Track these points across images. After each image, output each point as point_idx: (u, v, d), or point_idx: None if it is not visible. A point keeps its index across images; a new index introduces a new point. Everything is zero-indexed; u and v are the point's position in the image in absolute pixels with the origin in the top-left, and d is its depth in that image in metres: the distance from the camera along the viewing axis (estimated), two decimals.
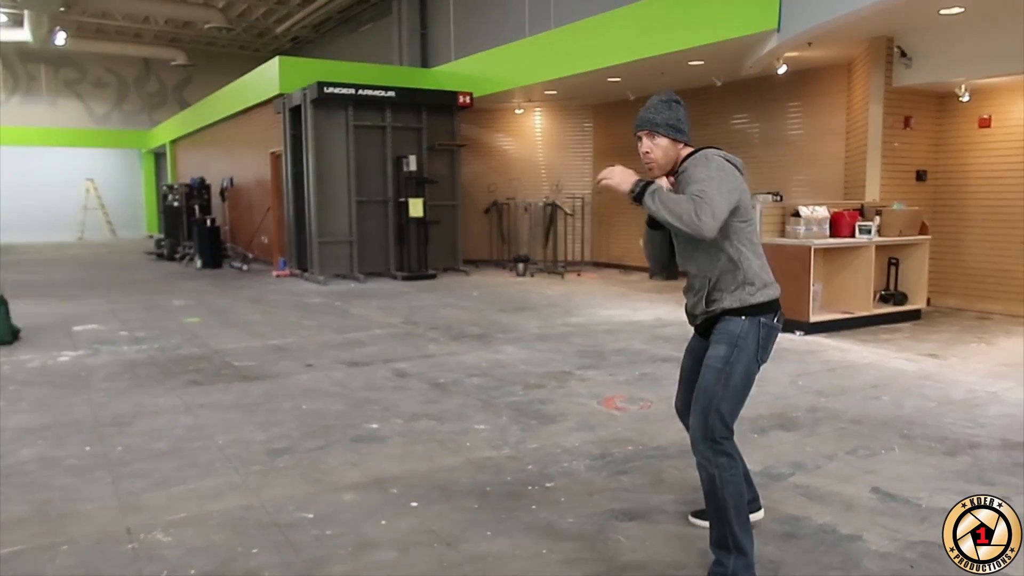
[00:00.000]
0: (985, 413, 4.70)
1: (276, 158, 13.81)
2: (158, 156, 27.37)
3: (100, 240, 24.90)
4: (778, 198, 7.69)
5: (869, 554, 2.86)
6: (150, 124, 26.65)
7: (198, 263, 14.50)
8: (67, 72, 26.27)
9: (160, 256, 17.01)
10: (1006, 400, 5.00)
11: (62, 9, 20.35)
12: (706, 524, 2.80)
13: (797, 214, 7.40)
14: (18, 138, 25.15)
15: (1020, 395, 5.11)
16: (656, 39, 9.32)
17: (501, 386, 5.42)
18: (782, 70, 9.10)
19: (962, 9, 6.77)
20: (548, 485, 3.56)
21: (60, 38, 22.33)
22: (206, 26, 22.18)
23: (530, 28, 12.98)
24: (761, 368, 2.71)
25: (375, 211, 12.33)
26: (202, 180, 15.35)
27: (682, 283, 2.97)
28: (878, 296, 7.92)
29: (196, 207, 14.93)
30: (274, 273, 13.07)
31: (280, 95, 12.80)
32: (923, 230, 7.88)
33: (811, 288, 7.20)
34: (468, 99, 12.63)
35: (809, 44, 8.28)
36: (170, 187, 18.01)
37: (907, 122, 8.35)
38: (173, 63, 26.08)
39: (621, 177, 2.55)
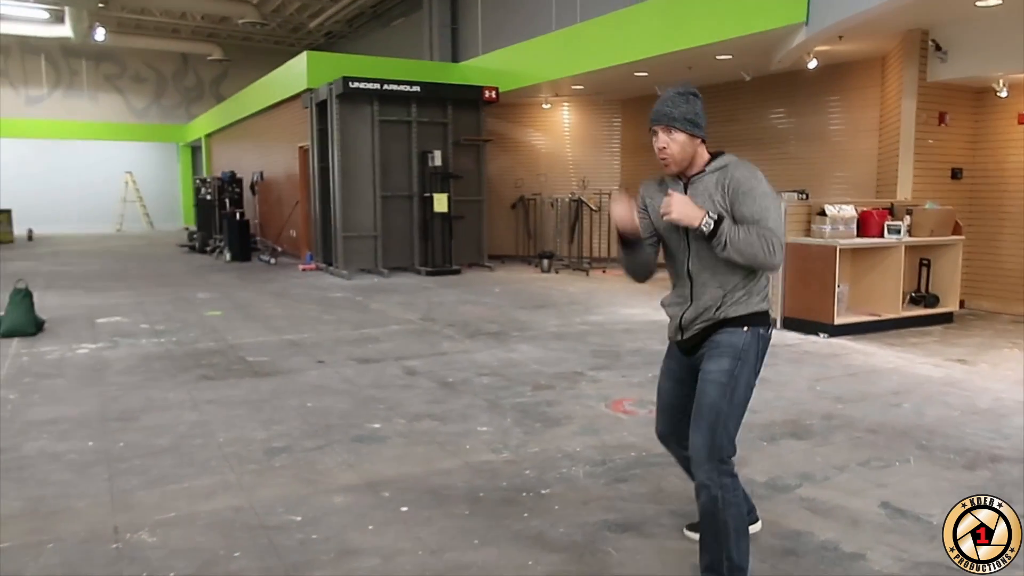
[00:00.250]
0: (1011, 424, 4.50)
1: (304, 152, 13.88)
2: (194, 150, 27.78)
3: (138, 232, 25.36)
4: (804, 196, 7.48)
5: (871, 575, 2.73)
6: (187, 118, 27.06)
7: (227, 256, 14.66)
8: (108, 67, 26.79)
9: (192, 249, 17.24)
10: None
11: (101, 5, 20.73)
12: None
13: (823, 213, 7.19)
14: (60, 131, 25.75)
15: None
16: (682, 33, 9.14)
17: (510, 386, 5.34)
18: (812, 65, 8.85)
19: (1000, 1, 6.49)
20: (543, 492, 3.47)
21: (99, 34, 22.78)
22: (240, 21, 22.41)
23: (557, 22, 12.84)
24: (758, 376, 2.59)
25: (400, 206, 12.33)
26: (232, 174, 15.51)
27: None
28: (908, 298, 7.67)
29: (227, 200, 15.08)
30: (300, 267, 13.16)
31: (308, 90, 12.86)
32: (956, 230, 7.60)
33: (836, 289, 6.99)
34: (494, 94, 12.55)
35: (840, 38, 8.04)
36: (203, 180, 18.26)
37: (942, 118, 8.07)
38: (209, 58, 26.46)
39: (684, 209, 2.40)
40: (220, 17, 23.68)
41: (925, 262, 7.74)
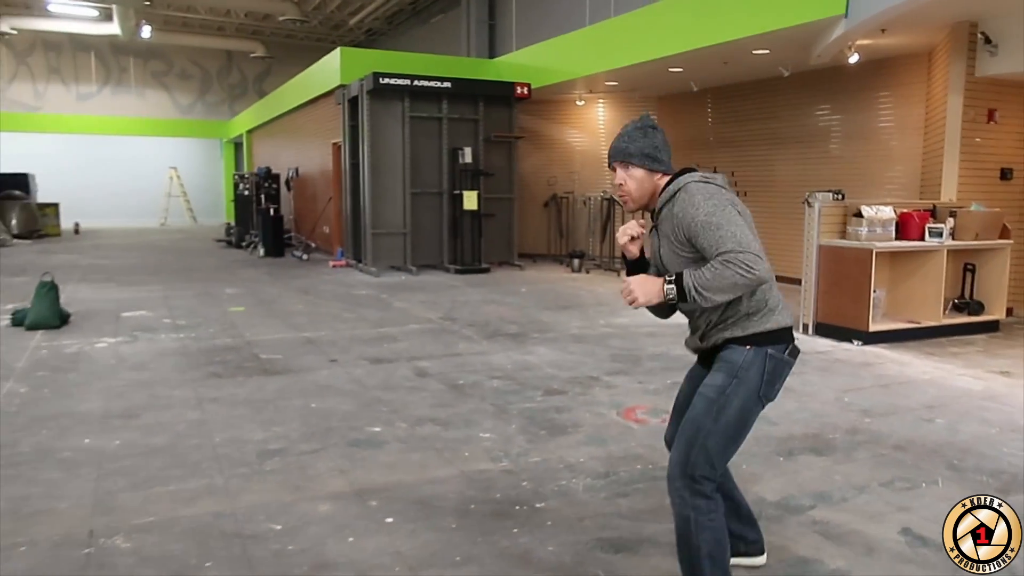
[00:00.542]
0: None
1: (338, 149, 13.89)
2: (237, 146, 28.16)
3: (181, 226, 25.78)
4: (839, 196, 7.15)
5: None
6: (230, 115, 27.45)
7: (261, 251, 14.76)
8: (155, 64, 27.31)
9: (229, 244, 17.43)
10: None
11: (147, 3, 21.10)
12: None
13: (859, 214, 6.86)
14: (109, 127, 26.34)
15: None
16: (717, 26, 8.84)
17: (521, 390, 5.17)
18: (854, 59, 8.47)
19: None
20: (538, 506, 3.30)
21: (146, 31, 23.23)
22: (281, 18, 22.60)
23: (590, 17, 12.60)
24: (766, 407, 2.35)
25: (430, 203, 12.23)
26: (268, 170, 15.60)
27: None
28: (950, 305, 7.28)
29: (262, 196, 15.16)
30: (331, 263, 13.16)
31: (340, 86, 12.85)
32: (1004, 234, 7.18)
33: (872, 294, 6.66)
34: (526, 90, 12.37)
35: (883, 31, 7.68)
36: (241, 176, 18.44)
37: (991, 116, 7.65)
38: (252, 55, 26.79)
39: (644, 290, 2.25)
40: (263, 15, 23.94)
41: (969, 267, 7.34)
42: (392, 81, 11.49)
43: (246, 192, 17.36)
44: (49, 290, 7.23)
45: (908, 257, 7.11)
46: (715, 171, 2.54)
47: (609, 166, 2.45)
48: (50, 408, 4.67)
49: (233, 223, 18.82)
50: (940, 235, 6.83)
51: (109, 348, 6.41)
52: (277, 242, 14.86)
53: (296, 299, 9.29)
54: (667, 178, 2.38)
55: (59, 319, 7.23)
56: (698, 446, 2.27)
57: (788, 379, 2.41)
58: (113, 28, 22.65)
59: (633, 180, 2.38)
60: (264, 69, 27.89)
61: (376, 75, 11.36)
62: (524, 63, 13.25)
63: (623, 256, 2.52)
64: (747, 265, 2.09)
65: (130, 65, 26.99)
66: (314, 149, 15.94)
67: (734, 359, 2.29)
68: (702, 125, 12.49)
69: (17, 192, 19.29)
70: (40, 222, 19.56)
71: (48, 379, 5.36)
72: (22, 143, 24.37)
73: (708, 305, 2.19)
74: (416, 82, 11.70)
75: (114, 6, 20.70)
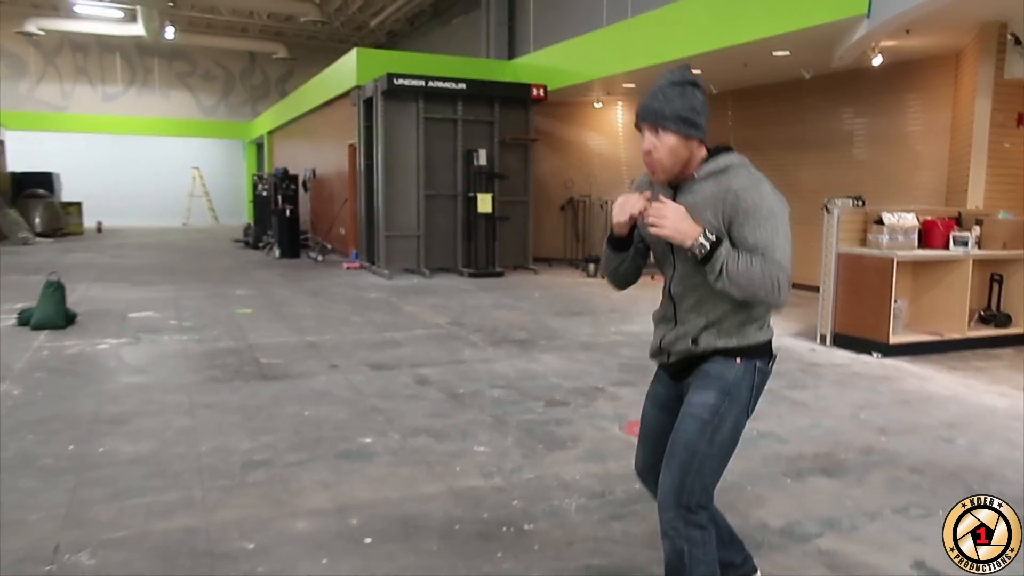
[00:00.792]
0: None
1: (353, 150, 13.82)
2: (259, 146, 28.29)
3: (203, 226, 25.91)
4: (859, 203, 6.91)
5: None
6: (253, 115, 27.57)
7: (276, 252, 14.74)
8: (180, 65, 27.53)
9: (247, 244, 17.44)
10: None
11: (171, 4, 21.23)
12: None
13: (880, 221, 6.61)
14: (133, 127, 26.58)
15: None
16: (736, 27, 8.62)
17: (521, 401, 5.01)
18: (877, 61, 8.20)
19: None
20: (527, 528, 3.13)
21: (169, 32, 23.38)
22: (302, 20, 22.65)
23: (608, 18, 12.41)
24: (750, 416, 2.19)
25: (444, 205, 12.11)
26: (285, 171, 15.57)
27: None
28: (976, 317, 7.00)
29: (279, 197, 15.13)
30: (345, 265, 13.09)
31: (356, 87, 12.77)
32: None
33: (892, 305, 6.41)
34: (542, 92, 12.21)
35: (907, 32, 7.42)
36: (259, 176, 18.46)
37: (1020, 119, 7.36)
38: (275, 56, 26.89)
39: (677, 224, 1.98)
40: (285, 16, 24.02)
41: (996, 278, 7.05)
42: (406, 82, 11.39)
43: (264, 193, 17.38)
44: (55, 290, 7.19)
45: (931, 267, 6.85)
46: None
47: (636, 126, 2.12)
48: (40, 412, 4.58)
49: (252, 224, 18.86)
50: (965, 244, 6.56)
51: (110, 350, 6.34)
52: (293, 243, 14.83)
53: (305, 301, 9.20)
54: (702, 146, 2.09)
55: (64, 319, 7.19)
56: (694, 472, 2.08)
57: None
58: (138, 29, 22.84)
59: (665, 147, 2.04)
60: (287, 70, 27.97)
61: (390, 76, 11.26)
62: (541, 64, 13.09)
63: (609, 236, 2.25)
64: (779, 287, 1.94)
65: (155, 66, 27.22)
66: (331, 150, 15.90)
67: (725, 375, 2.10)
68: (722, 128, 12.21)
69: (41, 191, 19.50)
70: (63, 221, 19.75)
71: (44, 381, 5.29)
72: (49, 142, 24.64)
73: (716, 286, 1.99)
74: (431, 83, 11.59)
75: (138, 7, 20.87)
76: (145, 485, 3.49)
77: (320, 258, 14.30)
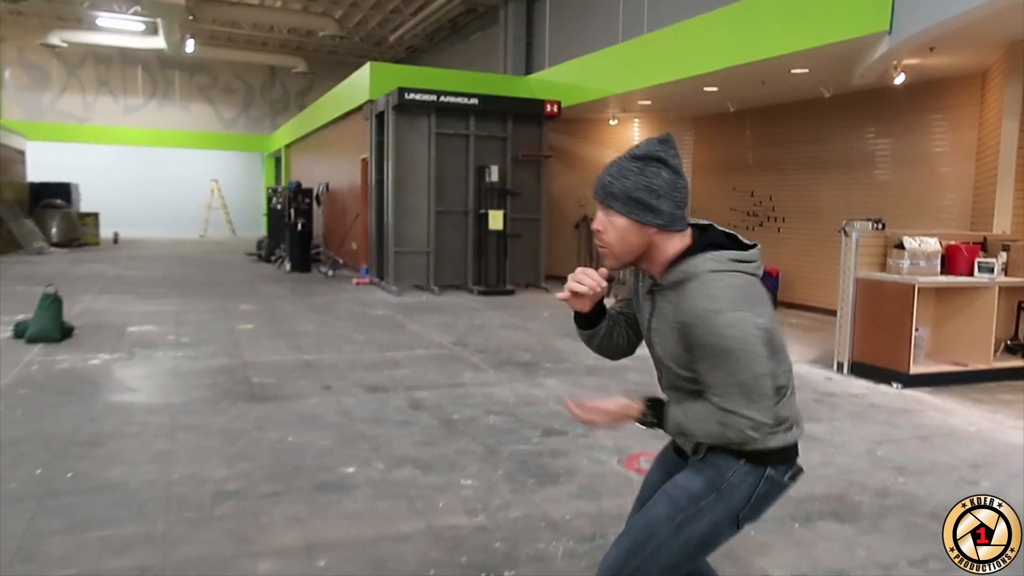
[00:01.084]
0: None
1: (366, 164, 13.71)
2: (277, 160, 28.39)
3: (220, 238, 25.97)
4: (879, 226, 6.62)
5: None
6: (272, 129, 27.68)
7: (287, 266, 14.63)
8: (201, 78, 27.73)
9: (260, 258, 17.37)
10: None
11: (190, 18, 21.36)
12: None
13: (901, 245, 6.32)
14: (154, 139, 26.77)
15: None
16: (753, 43, 8.39)
17: (517, 429, 4.77)
18: (900, 79, 7.95)
19: None
20: (506, 575, 2.89)
21: (190, 45, 23.54)
22: (321, 34, 22.72)
23: (623, 34, 12.24)
24: (741, 530, 1.85)
25: (455, 222, 11.93)
26: (298, 184, 15.51)
27: None
28: (1002, 347, 6.67)
29: (292, 211, 15.05)
30: (354, 281, 12.93)
31: (369, 101, 12.68)
32: None
33: (913, 333, 6.11)
34: (556, 108, 12.02)
35: (931, 49, 7.15)
36: (274, 190, 18.42)
37: None
38: (295, 71, 27.01)
39: (612, 420, 1.86)
40: (306, 31, 24.12)
41: None
42: (418, 96, 11.25)
43: (279, 206, 17.33)
44: (51, 303, 7.06)
45: (955, 293, 6.54)
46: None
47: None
48: (16, 431, 4.42)
49: (266, 237, 18.82)
50: (991, 271, 6.26)
51: (102, 366, 6.18)
52: (304, 257, 14.72)
53: (309, 318, 9.03)
54: (673, 238, 1.76)
55: (60, 333, 7.05)
56: (644, 556, 1.80)
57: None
58: (160, 42, 23.01)
59: (614, 230, 1.76)
60: (306, 84, 28.09)
61: (401, 90, 11.14)
62: (556, 80, 12.93)
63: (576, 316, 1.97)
64: (744, 434, 1.68)
65: (176, 79, 27.44)
66: (344, 164, 15.82)
67: (723, 468, 1.80)
68: (741, 147, 11.97)
69: (58, 201, 19.60)
70: (79, 231, 19.83)
71: (27, 398, 5.13)
72: (70, 153, 24.87)
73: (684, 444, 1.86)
74: (443, 98, 11.44)
75: (159, 20, 21.02)
76: (107, 516, 3.29)
77: (331, 273, 14.17)
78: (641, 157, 1.75)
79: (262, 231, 28.01)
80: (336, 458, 4.13)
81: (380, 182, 12.14)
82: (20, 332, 7.01)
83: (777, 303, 10.52)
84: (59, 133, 24.95)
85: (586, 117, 13.31)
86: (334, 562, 2.94)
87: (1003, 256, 6.37)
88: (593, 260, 13.51)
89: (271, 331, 8.07)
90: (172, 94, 27.49)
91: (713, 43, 9.04)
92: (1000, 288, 6.34)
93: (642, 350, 2.04)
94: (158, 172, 27.28)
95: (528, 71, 16.39)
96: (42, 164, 22.50)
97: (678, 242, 1.77)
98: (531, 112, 12.09)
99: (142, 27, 22.59)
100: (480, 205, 11.84)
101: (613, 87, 11.30)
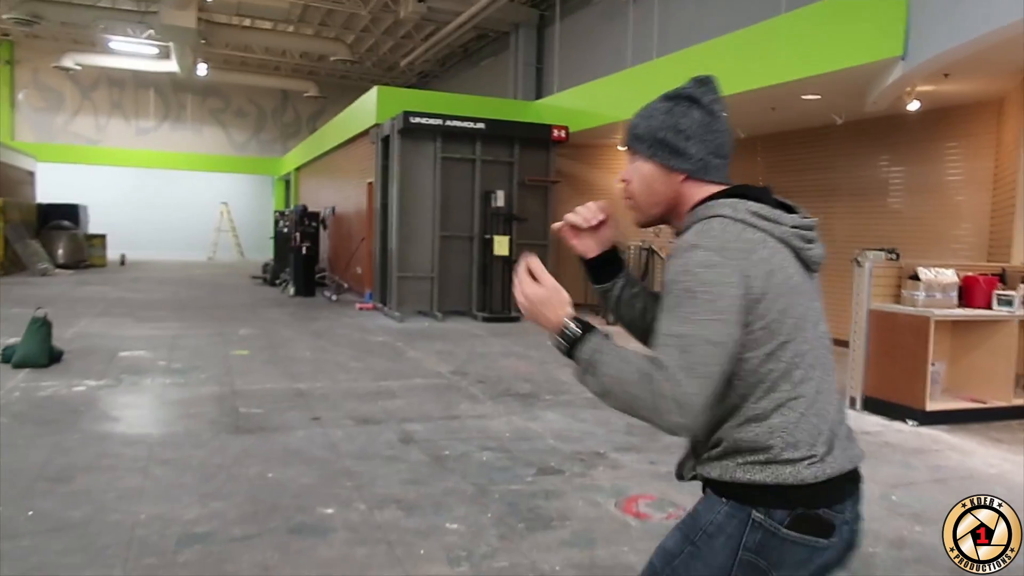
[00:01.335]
0: None
1: (373, 188, 13.60)
2: (287, 183, 28.42)
3: (228, 261, 25.93)
4: (893, 256, 6.38)
5: None
6: (283, 152, 27.75)
7: (291, 290, 14.48)
8: (213, 101, 27.90)
9: (265, 281, 17.25)
10: None
11: (203, 42, 21.50)
12: None
13: (916, 277, 6.08)
14: (165, 162, 26.86)
15: None
16: (763, 69, 8.22)
17: (511, 467, 4.53)
18: (913, 106, 7.74)
19: None
20: None
21: (202, 69, 23.69)
22: (332, 59, 22.80)
23: (633, 59, 12.12)
24: None
25: (460, 247, 11.75)
26: (304, 207, 15.41)
27: None
28: (1023, 383, 6.38)
29: (297, 234, 14.94)
30: (357, 306, 12.75)
31: (376, 125, 12.59)
32: None
33: (929, 368, 5.84)
34: (563, 133, 11.88)
35: (946, 75, 6.95)
36: (281, 213, 18.36)
37: None
38: (306, 95, 27.11)
39: (538, 308, 1.52)
40: (318, 55, 24.22)
41: None
42: (423, 120, 11.15)
43: (286, 229, 17.24)
44: (40, 327, 6.91)
45: (972, 327, 6.27)
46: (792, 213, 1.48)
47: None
48: None
49: (272, 260, 18.73)
50: (1010, 303, 5.99)
51: (86, 393, 5.99)
52: (308, 281, 14.57)
53: (307, 344, 8.84)
54: (706, 188, 1.51)
55: (47, 358, 6.88)
56: None
57: None
58: (172, 66, 23.16)
59: (639, 178, 1.56)
60: (318, 108, 28.18)
61: (407, 114, 11.03)
62: (564, 105, 12.81)
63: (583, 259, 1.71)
64: (667, 407, 1.30)
65: (188, 102, 27.62)
66: (351, 188, 15.73)
67: (700, 513, 1.49)
68: (751, 174, 11.76)
69: (66, 223, 19.59)
70: (86, 253, 19.79)
71: (2, 428, 4.94)
72: (80, 175, 24.98)
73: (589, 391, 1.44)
74: (448, 122, 11.33)
75: (172, 44, 21.16)
76: (61, 561, 3.07)
77: (335, 297, 14.00)
78: (672, 96, 1.57)
79: (271, 254, 28.09)
80: (316, 497, 3.90)
81: (385, 206, 12.00)
82: (7, 357, 6.84)
83: None
84: (70, 155, 25.08)
85: (595, 142, 13.17)
86: None
87: (1022, 289, 6.10)
88: None
89: (267, 357, 7.87)
90: (184, 117, 27.65)
91: (723, 69, 8.80)
92: (1021, 322, 6.07)
93: None
94: (168, 194, 27.36)
95: (538, 96, 16.32)
96: (52, 185, 22.60)
97: (702, 189, 1.52)
98: (538, 137, 11.95)
99: (155, 51, 22.75)
100: (485, 230, 11.66)
101: (621, 112, 11.14)
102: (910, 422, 5.89)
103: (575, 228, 1.69)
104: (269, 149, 28.59)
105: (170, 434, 4.97)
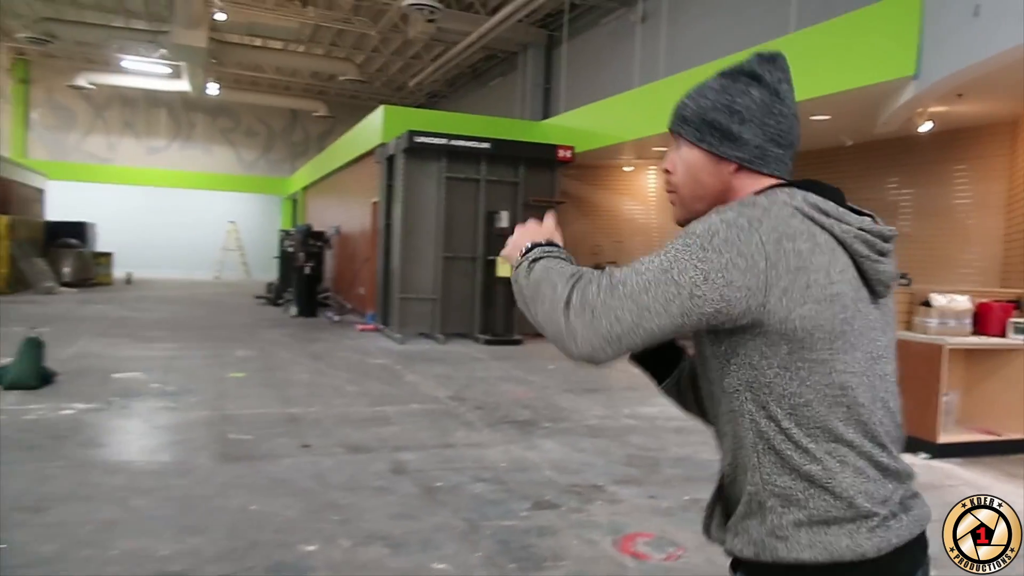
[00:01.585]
0: None
1: (377, 208, 13.52)
2: (295, 202, 28.46)
3: (234, 280, 25.87)
4: (905, 281, 6.20)
5: None
6: (291, 172, 27.82)
7: (293, 311, 14.37)
8: (223, 121, 28.05)
9: (268, 301, 17.16)
10: None
11: (214, 61, 21.62)
12: None
13: (928, 303, 5.88)
14: (175, 180, 26.98)
15: None
16: None
17: (505, 500, 4.35)
18: (926, 127, 7.59)
19: None
20: None
21: (213, 89, 23.82)
22: (341, 79, 22.87)
23: (640, 79, 12.03)
24: None
25: (463, 268, 11.62)
26: (309, 227, 15.35)
27: None
28: None
29: (301, 254, 14.86)
30: (358, 327, 12.62)
31: (381, 144, 12.52)
32: None
33: (942, 398, 5.63)
34: (569, 153, 11.77)
35: (959, 96, 6.80)
36: (286, 233, 18.30)
37: None
38: (315, 114, 27.21)
39: (518, 236, 1.38)
40: (327, 75, 24.32)
41: None
42: (428, 140, 11.07)
43: (290, 249, 17.17)
44: (33, 348, 6.79)
45: (987, 355, 6.06)
46: None
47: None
48: None
49: (277, 279, 18.65)
50: None
51: (74, 416, 5.85)
52: (310, 302, 14.46)
53: (304, 366, 8.69)
54: (761, 181, 1.29)
55: (39, 379, 6.75)
56: None
57: None
58: (183, 85, 23.30)
59: (684, 167, 1.34)
60: (326, 128, 28.26)
61: (411, 133, 10.96)
62: (570, 125, 12.72)
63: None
64: (576, 324, 1.16)
65: (199, 121, 27.78)
66: (356, 208, 15.67)
67: None
68: None
69: (73, 240, 19.60)
70: (92, 271, 19.78)
71: None
72: (90, 193, 25.06)
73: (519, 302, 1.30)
74: (453, 142, 11.24)
75: (183, 64, 21.28)
76: None
77: (337, 318, 13.89)
78: (729, 73, 1.33)
79: (278, 273, 28.04)
80: (298, 533, 3.73)
81: (388, 226, 11.90)
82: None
83: None
84: (82, 173, 25.23)
85: (600, 163, 13.08)
86: None
87: None
88: None
89: (262, 380, 7.73)
90: (194, 136, 27.79)
91: None
92: None
93: None
94: (177, 213, 27.40)
95: (546, 116, 16.26)
96: (63, 203, 22.68)
97: (757, 181, 1.29)
98: (544, 157, 11.85)
99: (167, 70, 22.91)
100: (489, 251, 11.53)
101: (628, 133, 11.05)
102: (921, 455, 5.67)
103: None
104: (278, 168, 28.68)
105: (154, 462, 4.82)
